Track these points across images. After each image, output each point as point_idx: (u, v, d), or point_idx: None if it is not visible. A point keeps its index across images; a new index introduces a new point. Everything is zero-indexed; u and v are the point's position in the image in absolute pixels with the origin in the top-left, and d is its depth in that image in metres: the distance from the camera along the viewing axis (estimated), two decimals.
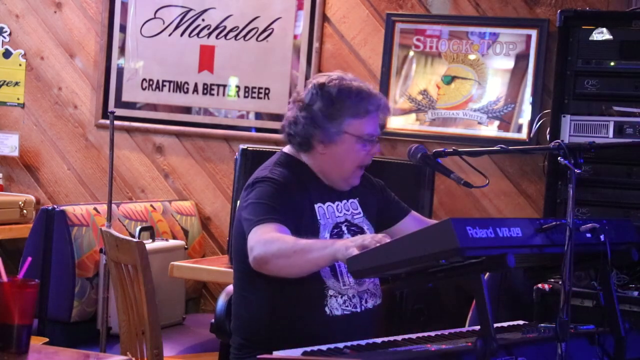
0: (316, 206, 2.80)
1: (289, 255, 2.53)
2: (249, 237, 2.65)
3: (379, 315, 2.89)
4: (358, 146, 2.79)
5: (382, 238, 2.42)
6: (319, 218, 2.79)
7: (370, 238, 2.43)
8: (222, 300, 3.05)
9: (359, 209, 2.91)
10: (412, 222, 2.97)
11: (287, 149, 2.92)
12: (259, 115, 4.96)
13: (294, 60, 4.87)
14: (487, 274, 2.72)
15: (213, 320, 3.10)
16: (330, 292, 2.74)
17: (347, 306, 2.77)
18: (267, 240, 2.59)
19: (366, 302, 2.81)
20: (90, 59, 5.25)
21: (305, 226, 2.73)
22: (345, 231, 2.84)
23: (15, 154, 5.30)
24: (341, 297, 2.76)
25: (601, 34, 3.81)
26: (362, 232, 2.86)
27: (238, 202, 2.88)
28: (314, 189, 2.82)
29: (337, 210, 2.85)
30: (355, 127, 2.77)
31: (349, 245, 2.43)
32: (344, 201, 2.88)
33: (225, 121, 5.02)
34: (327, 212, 2.83)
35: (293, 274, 2.59)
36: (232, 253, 2.91)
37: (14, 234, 4.96)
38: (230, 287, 3.02)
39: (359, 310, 2.78)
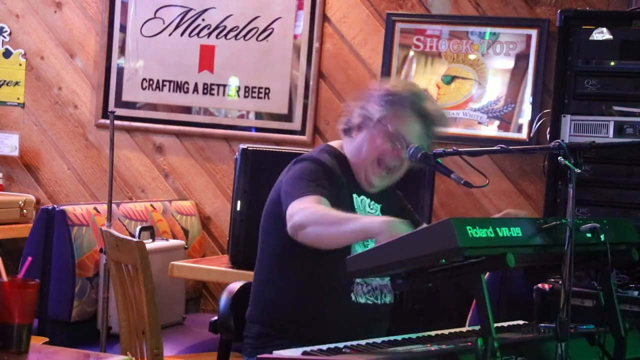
0: (354, 195, 2.84)
1: (327, 225, 2.53)
2: (290, 206, 2.63)
3: (391, 312, 2.95)
4: (382, 139, 2.81)
5: None
6: (355, 207, 2.83)
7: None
8: (224, 299, 3.05)
9: (378, 213, 2.93)
10: None
11: (333, 142, 2.97)
12: (259, 115, 4.96)
13: (294, 60, 4.87)
14: (487, 273, 2.72)
15: (215, 318, 3.10)
16: (358, 280, 2.78)
17: (370, 296, 2.82)
18: (310, 208, 2.59)
19: (385, 296, 2.87)
20: (91, 58, 5.25)
21: (342, 210, 2.73)
22: None
23: (16, 153, 5.30)
24: (366, 286, 2.81)
25: (601, 34, 3.81)
26: None
27: (278, 180, 2.84)
28: (352, 181, 2.86)
29: (369, 207, 2.89)
30: (389, 120, 2.80)
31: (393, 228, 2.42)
32: (371, 201, 2.91)
33: (226, 121, 5.02)
34: (362, 204, 2.86)
35: (325, 243, 2.58)
36: (235, 244, 2.90)
37: (14, 234, 4.96)
38: (232, 286, 3.04)
39: (379, 302, 2.84)
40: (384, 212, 2.93)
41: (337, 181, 2.77)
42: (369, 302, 2.82)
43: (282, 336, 2.74)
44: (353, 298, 2.79)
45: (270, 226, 2.84)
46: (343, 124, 2.91)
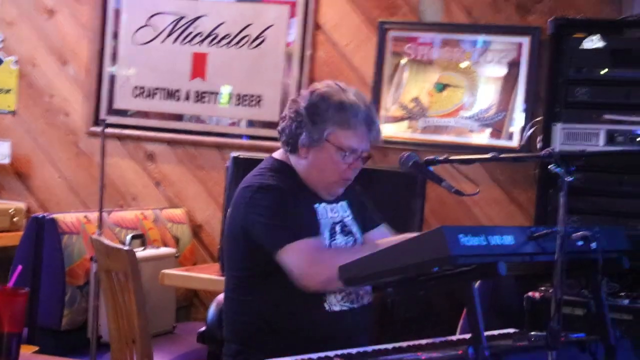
0: (314, 206, 2.83)
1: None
2: (284, 259, 2.66)
3: (372, 313, 2.93)
4: (338, 157, 2.78)
5: None
6: (318, 217, 2.82)
7: None
8: (213, 309, 3.04)
9: (348, 211, 2.94)
10: (379, 236, 2.94)
11: (276, 154, 2.93)
12: (250, 123, 4.96)
13: (286, 68, 4.87)
14: (478, 282, 2.72)
15: (203, 329, 3.09)
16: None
17: (345, 302, 2.80)
18: (312, 263, 2.63)
19: (362, 298, 2.85)
20: (82, 66, 5.24)
21: (308, 226, 2.75)
22: (339, 231, 2.86)
23: (7, 161, 5.28)
24: (339, 293, 2.79)
25: (592, 42, 3.82)
26: (351, 233, 2.89)
27: (230, 206, 2.87)
28: (307, 191, 2.84)
29: (332, 211, 2.88)
30: (338, 138, 2.77)
31: None
32: (333, 204, 2.90)
33: (217, 129, 5.01)
34: (324, 211, 2.85)
35: None
36: (224, 259, 2.90)
37: (4, 242, 4.93)
38: (221, 296, 3.01)
39: (356, 306, 2.82)
40: (351, 206, 2.93)
41: (294, 201, 2.76)
42: (344, 308, 2.79)
43: (260, 352, 2.70)
44: (327, 308, 2.76)
45: (232, 249, 2.83)
46: (285, 136, 2.83)
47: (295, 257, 2.66)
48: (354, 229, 2.92)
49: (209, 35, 5.00)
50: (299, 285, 2.66)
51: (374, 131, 2.82)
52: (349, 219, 2.92)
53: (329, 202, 2.88)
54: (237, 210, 2.81)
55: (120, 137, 5.14)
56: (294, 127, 2.80)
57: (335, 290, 2.68)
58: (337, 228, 2.86)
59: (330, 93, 2.80)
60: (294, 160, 2.86)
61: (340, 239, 2.84)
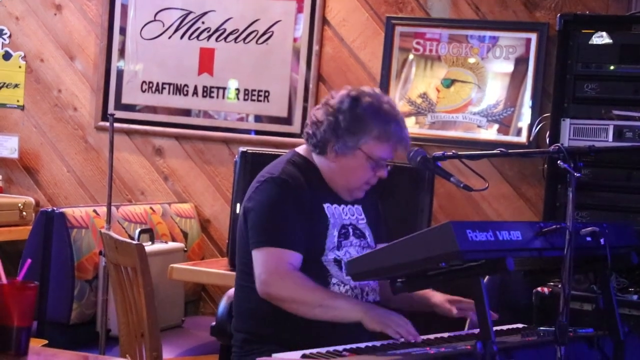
0: (325, 205, 2.84)
1: (313, 306, 2.64)
2: (259, 258, 2.71)
3: None
4: (368, 166, 2.81)
5: (414, 334, 2.50)
6: (328, 216, 2.83)
7: (399, 326, 2.52)
8: (224, 303, 3.05)
9: (363, 215, 2.95)
10: None
11: (300, 149, 2.95)
12: (258, 118, 4.96)
13: (293, 63, 4.87)
14: (487, 277, 2.72)
15: (214, 323, 3.09)
16: (334, 280, 2.78)
17: (350, 295, 2.80)
18: (284, 276, 2.67)
19: (367, 295, 2.85)
20: (90, 61, 5.25)
21: (316, 224, 2.78)
22: (351, 233, 2.88)
23: (15, 156, 5.29)
24: (344, 286, 2.79)
25: (601, 38, 3.81)
26: (364, 237, 2.91)
27: (245, 195, 2.88)
28: (322, 190, 2.85)
29: (344, 213, 2.89)
30: (371, 148, 2.79)
31: (376, 320, 2.55)
32: (349, 206, 2.92)
33: (225, 124, 5.02)
34: (335, 212, 2.86)
35: (306, 317, 2.67)
36: (235, 247, 2.92)
37: (13, 236, 4.95)
38: (232, 291, 3.03)
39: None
40: (366, 212, 2.95)
41: (303, 197, 2.77)
42: None
43: (266, 342, 2.74)
44: None
45: (242, 239, 2.85)
46: (315, 139, 2.84)
47: (268, 261, 2.70)
48: (367, 232, 2.93)
49: (216, 31, 5.01)
50: (257, 287, 2.70)
51: (405, 143, 2.84)
52: (362, 223, 2.93)
53: (345, 203, 2.89)
54: (247, 194, 2.85)
55: (128, 132, 5.15)
56: (329, 133, 2.80)
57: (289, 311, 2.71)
58: (350, 230, 2.87)
59: (374, 105, 2.80)
60: (319, 160, 2.87)
61: (353, 241, 2.85)
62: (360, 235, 2.89)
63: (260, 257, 2.72)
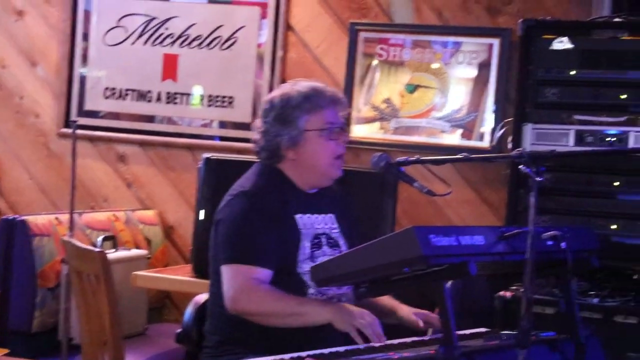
0: (296, 216, 2.84)
1: (283, 317, 2.67)
2: (225, 275, 2.72)
3: None
4: (324, 140, 2.83)
5: (379, 335, 2.55)
6: (299, 227, 2.83)
7: (365, 327, 2.56)
8: (190, 310, 3.03)
9: (336, 224, 2.96)
10: None
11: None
12: (222, 124, 4.95)
13: (257, 69, 4.87)
14: (450, 281, 2.73)
15: (179, 329, 3.08)
16: (311, 291, 2.78)
17: None
18: (250, 291, 2.69)
19: (340, 301, 2.84)
20: (52, 67, 5.20)
21: (287, 236, 2.78)
22: (325, 243, 2.88)
23: None
24: (321, 296, 2.80)
25: (562, 43, 3.85)
26: (337, 246, 2.91)
27: (218, 207, 2.89)
28: (294, 199, 2.86)
29: (317, 222, 2.89)
30: (314, 122, 2.82)
31: (344, 321, 2.58)
32: (322, 215, 2.92)
33: (189, 130, 5.00)
34: (307, 222, 2.86)
35: (278, 326, 2.70)
36: (199, 254, 2.92)
37: None
38: (198, 297, 3.03)
39: None
40: (339, 220, 2.96)
41: (273, 211, 2.78)
42: None
43: (239, 345, 2.75)
44: None
45: (214, 248, 2.85)
46: (266, 152, 2.87)
47: (234, 278, 2.71)
48: (341, 241, 2.93)
49: (180, 37, 4.99)
50: (226, 304, 2.72)
51: (342, 101, 2.89)
52: (335, 232, 2.94)
53: (318, 212, 2.90)
54: (219, 206, 2.86)
55: (91, 139, 5.11)
56: (272, 138, 2.84)
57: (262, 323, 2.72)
58: (323, 239, 2.88)
59: (286, 92, 2.86)
60: (283, 167, 2.88)
61: (326, 250, 2.85)
62: (334, 245, 2.90)
63: (227, 274, 2.73)
